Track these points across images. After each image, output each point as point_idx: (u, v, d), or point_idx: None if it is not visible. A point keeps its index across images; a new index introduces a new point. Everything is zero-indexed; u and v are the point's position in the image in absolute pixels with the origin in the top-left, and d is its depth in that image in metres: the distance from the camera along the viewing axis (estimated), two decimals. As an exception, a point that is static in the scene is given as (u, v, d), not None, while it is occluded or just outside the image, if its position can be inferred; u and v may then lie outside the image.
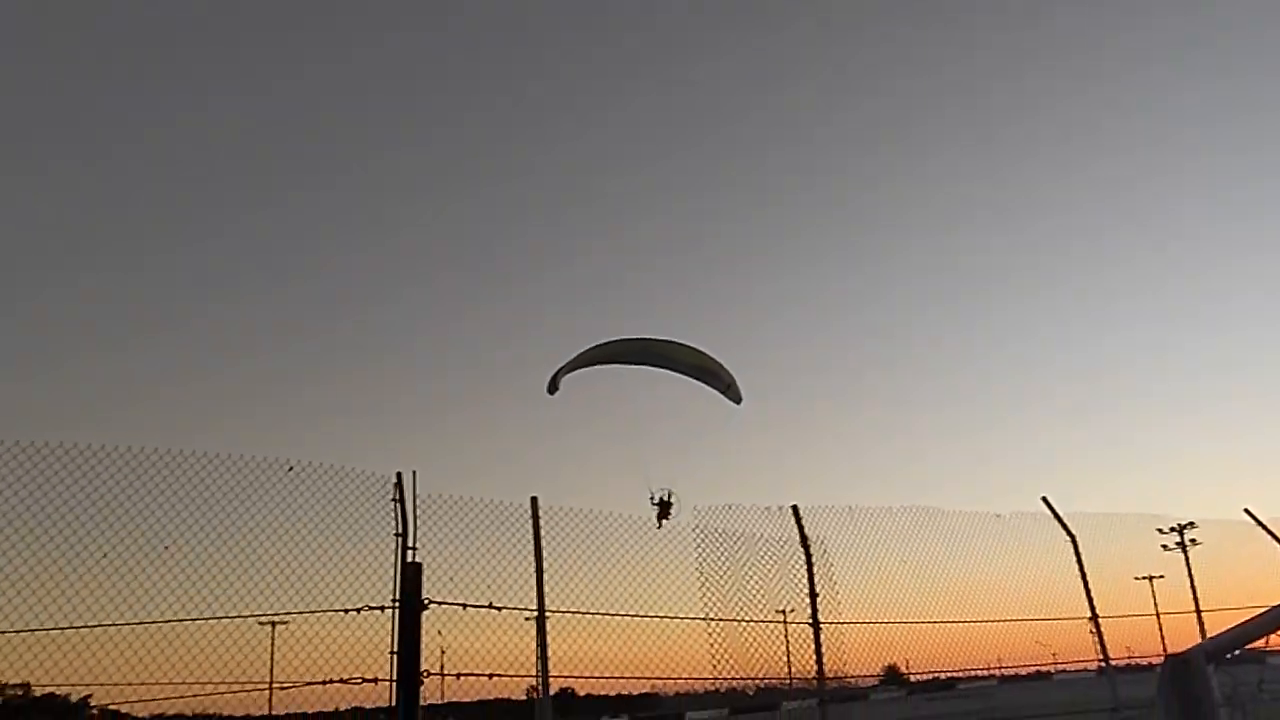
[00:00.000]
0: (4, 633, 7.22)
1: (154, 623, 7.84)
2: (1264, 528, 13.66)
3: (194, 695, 8.43)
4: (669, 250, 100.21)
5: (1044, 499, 12.28)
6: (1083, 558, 11.96)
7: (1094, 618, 11.86)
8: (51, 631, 7.43)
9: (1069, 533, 12.11)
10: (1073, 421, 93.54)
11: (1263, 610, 3.88)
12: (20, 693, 8.40)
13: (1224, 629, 4.12)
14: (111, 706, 8.33)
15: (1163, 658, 4.27)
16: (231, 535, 8.13)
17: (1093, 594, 11.92)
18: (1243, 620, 3.94)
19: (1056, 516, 12.11)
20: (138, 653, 7.77)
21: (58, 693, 8.43)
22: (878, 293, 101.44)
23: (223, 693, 8.53)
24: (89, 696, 8.59)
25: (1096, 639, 11.85)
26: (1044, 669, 13.24)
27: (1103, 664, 11.84)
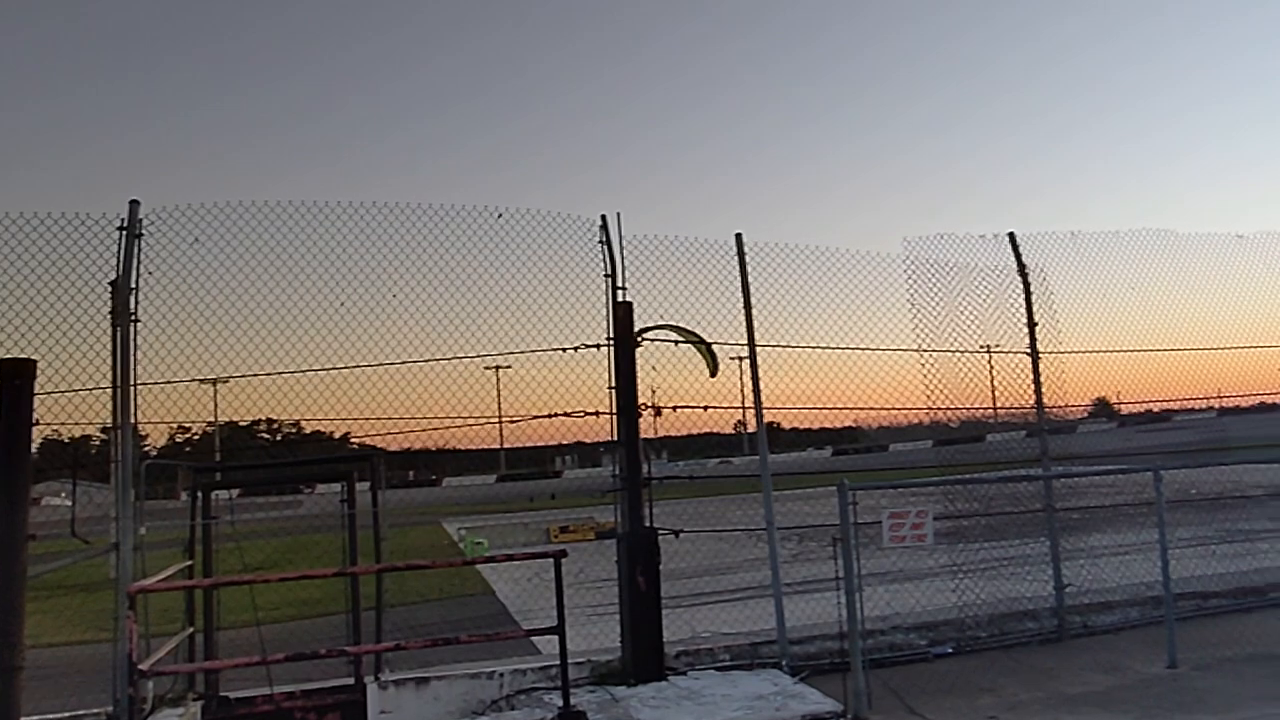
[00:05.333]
0: (275, 374, 8.03)
1: (394, 364, 8.48)
2: None
3: (434, 429, 9.29)
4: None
5: (1296, 216, 10.97)
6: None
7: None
8: (310, 374, 8.20)
9: (1323, 252, 10.81)
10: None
11: None
12: (294, 429, 9.52)
13: None
14: (366, 440, 9.33)
15: None
16: (451, 282, 8.51)
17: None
18: None
19: (1311, 234, 10.82)
20: (385, 393, 8.51)
21: (322, 429, 9.52)
22: None
23: (458, 426, 9.35)
24: (349, 432, 9.65)
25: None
26: (1271, 400, 12.40)
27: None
